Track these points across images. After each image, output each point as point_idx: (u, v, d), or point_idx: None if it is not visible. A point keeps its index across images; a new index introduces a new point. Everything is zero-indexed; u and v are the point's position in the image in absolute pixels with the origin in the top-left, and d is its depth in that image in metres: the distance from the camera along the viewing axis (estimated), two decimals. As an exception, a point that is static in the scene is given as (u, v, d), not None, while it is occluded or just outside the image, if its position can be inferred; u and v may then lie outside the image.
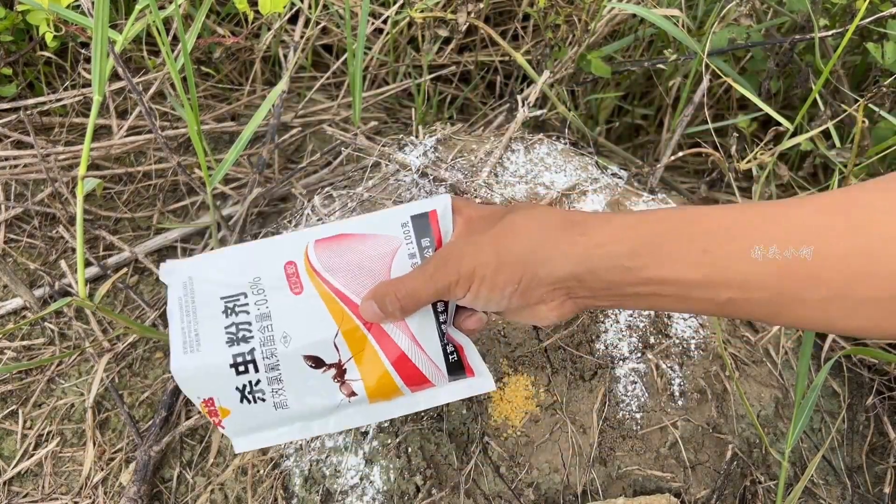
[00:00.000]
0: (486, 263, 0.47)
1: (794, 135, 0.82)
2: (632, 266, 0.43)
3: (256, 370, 0.52)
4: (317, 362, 0.53)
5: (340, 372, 0.53)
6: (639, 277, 0.43)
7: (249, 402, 0.53)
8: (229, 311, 0.54)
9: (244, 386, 0.52)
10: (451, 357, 0.54)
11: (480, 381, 0.55)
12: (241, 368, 0.52)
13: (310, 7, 1.04)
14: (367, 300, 0.52)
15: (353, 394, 0.54)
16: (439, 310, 0.53)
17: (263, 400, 0.53)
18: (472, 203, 0.55)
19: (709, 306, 0.43)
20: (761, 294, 0.40)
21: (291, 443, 0.70)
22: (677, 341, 0.71)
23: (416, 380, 0.54)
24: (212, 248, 0.92)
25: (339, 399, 0.54)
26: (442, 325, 0.53)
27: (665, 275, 0.42)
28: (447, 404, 0.66)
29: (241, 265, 0.55)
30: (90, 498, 0.77)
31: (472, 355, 0.54)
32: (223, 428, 0.55)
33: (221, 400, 0.53)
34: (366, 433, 0.67)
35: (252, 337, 0.52)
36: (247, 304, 0.54)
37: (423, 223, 0.53)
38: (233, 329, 0.53)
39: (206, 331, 0.53)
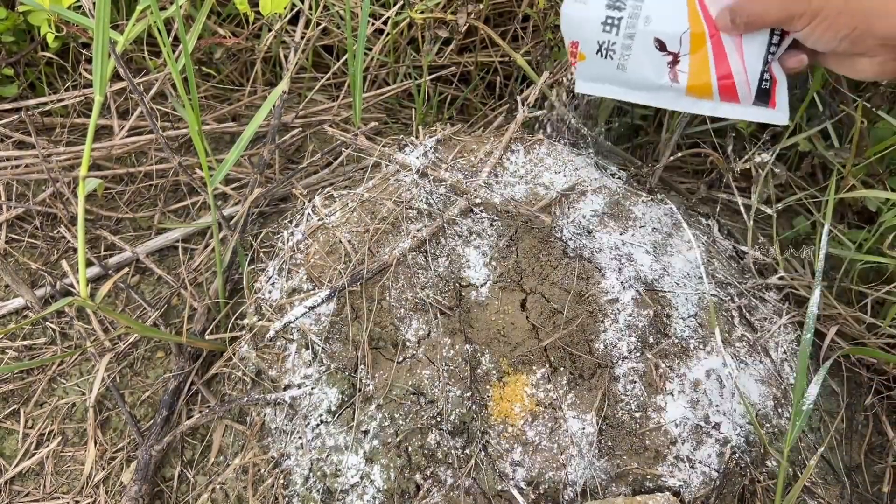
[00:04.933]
0: (833, 6, 0.54)
1: (792, 135, 0.82)
2: None
3: (617, 33, 0.68)
4: (661, 46, 0.67)
5: (675, 60, 0.67)
6: None
7: (602, 55, 0.69)
8: None
9: (604, 42, 0.69)
10: (763, 84, 0.64)
11: (777, 115, 0.66)
12: (607, 28, 0.68)
13: (310, 8, 1.04)
14: (725, 9, 0.61)
15: (675, 80, 0.68)
16: (773, 41, 0.63)
17: (612, 58, 0.69)
18: None
19: None
20: None
21: (293, 443, 0.71)
22: (676, 341, 0.71)
23: (728, 92, 0.66)
24: (212, 249, 0.92)
25: (664, 80, 0.68)
26: (769, 55, 0.63)
27: None
28: (446, 408, 0.66)
29: None
30: (91, 497, 0.77)
31: (782, 92, 0.65)
32: (574, 69, 0.73)
33: (583, 46, 0.70)
34: (366, 432, 0.67)
35: (624, 8, 0.67)
36: None
37: None
38: None
39: None
